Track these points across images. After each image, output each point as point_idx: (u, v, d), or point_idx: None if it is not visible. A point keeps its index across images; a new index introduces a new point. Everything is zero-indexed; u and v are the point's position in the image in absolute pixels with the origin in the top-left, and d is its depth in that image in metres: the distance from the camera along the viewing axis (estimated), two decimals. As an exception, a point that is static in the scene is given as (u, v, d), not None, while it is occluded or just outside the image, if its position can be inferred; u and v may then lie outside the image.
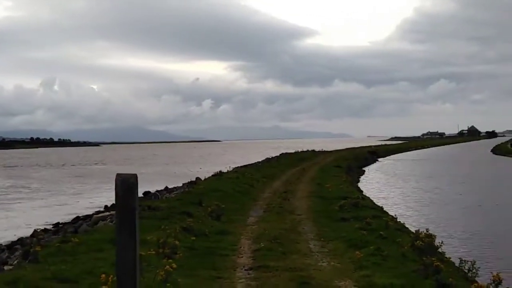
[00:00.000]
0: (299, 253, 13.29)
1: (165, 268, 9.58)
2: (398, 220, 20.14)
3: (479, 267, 12.16)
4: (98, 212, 28.84)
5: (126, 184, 4.68)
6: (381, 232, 14.91)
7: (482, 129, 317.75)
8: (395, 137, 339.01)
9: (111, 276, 7.60)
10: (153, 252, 10.97)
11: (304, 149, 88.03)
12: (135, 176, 4.73)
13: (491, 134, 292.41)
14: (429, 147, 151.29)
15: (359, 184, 42.63)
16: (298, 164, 54.26)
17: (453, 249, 18.10)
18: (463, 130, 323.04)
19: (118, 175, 4.75)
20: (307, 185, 32.49)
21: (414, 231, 15.54)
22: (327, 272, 11.35)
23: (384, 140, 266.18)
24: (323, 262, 12.32)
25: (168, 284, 9.19)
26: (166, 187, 38.75)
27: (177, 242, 12.50)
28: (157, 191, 34.77)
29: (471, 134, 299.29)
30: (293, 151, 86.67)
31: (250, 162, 61.21)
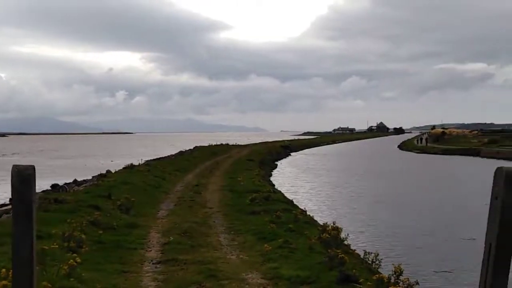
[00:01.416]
0: (208, 246, 13.29)
1: (69, 262, 9.33)
2: (307, 213, 20.54)
3: (381, 259, 12.59)
4: (2, 205, 27.68)
5: (22, 176, 4.50)
6: (290, 225, 15.17)
7: (391, 125, 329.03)
8: (308, 132, 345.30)
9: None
10: (57, 246, 10.65)
11: (218, 143, 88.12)
12: (32, 167, 4.56)
13: (399, 131, 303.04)
14: (340, 142, 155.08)
15: (272, 178, 43.15)
16: (212, 158, 54.24)
17: (358, 241, 18.68)
18: (372, 126, 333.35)
19: (14, 166, 4.57)
20: (220, 178, 32.55)
21: (322, 224, 15.89)
22: (235, 264, 11.41)
23: (297, 135, 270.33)
24: (232, 255, 12.38)
25: (71, 279, 8.96)
26: (75, 180, 37.70)
27: (83, 236, 12.20)
28: (66, 183, 33.75)
29: (380, 130, 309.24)
30: (207, 144, 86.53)
31: (163, 155, 60.58)
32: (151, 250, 12.76)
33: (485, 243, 4.53)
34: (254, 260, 11.77)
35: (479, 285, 4.44)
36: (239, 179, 29.82)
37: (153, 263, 11.45)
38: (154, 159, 52.04)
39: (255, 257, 12.05)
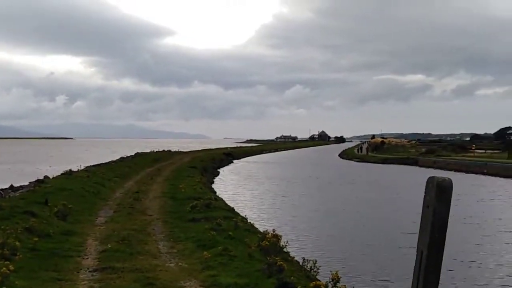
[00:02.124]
0: (147, 254, 13.13)
1: (2, 270, 9.07)
2: (248, 221, 20.58)
3: (320, 266, 12.73)
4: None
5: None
6: (230, 233, 15.15)
7: (332, 134, 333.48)
8: (251, 140, 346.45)
9: None
10: (-11, 254, 10.33)
11: (161, 149, 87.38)
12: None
13: (340, 139, 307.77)
14: (282, 150, 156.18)
15: (214, 185, 43.07)
16: (153, 164, 53.74)
17: (298, 249, 18.82)
18: (314, 135, 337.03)
19: None
20: (161, 185, 32.25)
21: (262, 232, 15.95)
22: (174, 272, 11.31)
23: (240, 142, 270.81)
24: (171, 263, 12.26)
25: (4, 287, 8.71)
26: (12, 186, 36.64)
27: (17, 243, 11.89)
28: (1, 189, 32.78)
29: (322, 138, 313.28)
30: (148, 150, 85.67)
31: (103, 161, 59.57)
32: (87, 258, 12.51)
33: (417, 251, 4.64)
34: (193, 267, 11.70)
35: (411, 292, 4.55)
36: (180, 186, 29.62)
37: (89, 271, 11.23)
38: (94, 165, 51.11)
39: (194, 264, 11.98)
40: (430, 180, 4.47)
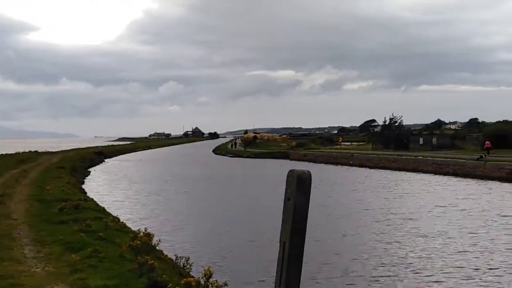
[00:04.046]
0: (11, 260, 12.48)
1: None
2: (120, 221, 20.21)
3: (193, 263, 12.76)
4: None
5: None
6: (100, 234, 14.79)
7: (206, 130, 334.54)
8: (123, 138, 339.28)
9: None
10: None
11: (27, 150, 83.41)
12: None
13: (214, 135, 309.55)
14: (156, 147, 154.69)
15: (84, 186, 41.82)
16: (19, 166, 51.15)
17: (172, 247, 18.73)
18: (188, 131, 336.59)
19: None
20: (27, 187, 30.81)
21: (134, 231, 15.73)
22: (40, 277, 10.86)
23: (112, 141, 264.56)
24: (37, 268, 11.76)
25: None
26: None
27: None
28: None
29: (195, 135, 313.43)
30: (13, 151, 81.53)
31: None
32: None
33: (280, 242, 4.77)
34: (61, 271, 11.29)
35: (275, 282, 4.68)
36: (48, 188, 28.48)
37: None
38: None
39: (62, 268, 11.56)
40: (290, 173, 4.60)
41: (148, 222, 23.81)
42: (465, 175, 47.07)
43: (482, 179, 43.81)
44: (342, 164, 67.08)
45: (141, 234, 13.82)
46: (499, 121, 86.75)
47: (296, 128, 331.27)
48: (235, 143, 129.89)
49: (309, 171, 4.62)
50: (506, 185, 39.91)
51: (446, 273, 16.15)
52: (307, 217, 4.67)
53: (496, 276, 15.84)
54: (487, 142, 56.17)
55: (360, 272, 16.42)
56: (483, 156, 49.96)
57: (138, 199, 35.19)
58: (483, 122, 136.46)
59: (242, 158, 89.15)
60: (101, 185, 44.72)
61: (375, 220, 25.57)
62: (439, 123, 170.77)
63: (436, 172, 50.82)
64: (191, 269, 12.53)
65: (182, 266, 12.60)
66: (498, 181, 41.97)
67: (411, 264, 17.13)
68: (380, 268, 16.83)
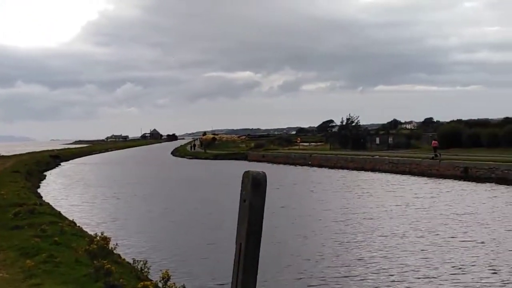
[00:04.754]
0: (-37, 267, 12.19)
1: None
2: (77, 225, 19.90)
3: (151, 266, 12.65)
4: None
5: None
6: (56, 238, 14.55)
7: (164, 132, 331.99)
8: (79, 141, 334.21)
9: None
10: None
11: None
12: None
13: (172, 137, 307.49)
14: (113, 150, 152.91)
15: (40, 190, 41.03)
16: (-29, 171, 49.94)
17: (129, 250, 18.54)
18: (146, 133, 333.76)
19: None
20: (-20, 192, 30.08)
21: (90, 235, 15.51)
22: (-7, 285, 10.62)
23: (68, 144, 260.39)
24: (-10, 275, 11.49)
25: None
26: None
27: None
28: None
29: (154, 137, 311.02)
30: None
31: None
32: None
33: (236, 244, 4.76)
34: (15, 277, 11.06)
35: (231, 283, 4.66)
36: (2, 192, 27.85)
37: None
38: None
39: (16, 274, 11.33)
40: (246, 175, 4.58)
41: (105, 226, 23.57)
42: (421, 173, 47.91)
43: (437, 177, 44.66)
44: (301, 164, 67.51)
45: (98, 238, 13.63)
46: (453, 121, 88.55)
47: (255, 129, 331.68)
48: (194, 145, 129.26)
49: (264, 172, 4.62)
50: (460, 182, 40.76)
51: (405, 272, 16.38)
52: (263, 218, 4.68)
53: (454, 274, 16.12)
54: (434, 142, 57.17)
55: (321, 273, 16.52)
56: (438, 155, 50.89)
57: (95, 202, 34.72)
58: (438, 122, 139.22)
59: (201, 160, 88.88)
60: (57, 189, 43.99)
61: (335, 220, 25.75)
62: (395, 123, 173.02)
63: (393, 171, 51.56)
64: (149, 272, 12.42)
65: (140, 270, 12.48)
66: (453, 179, 42.81)
67: (371, 264, 17.31)
68: (341, 268, 16.96)
